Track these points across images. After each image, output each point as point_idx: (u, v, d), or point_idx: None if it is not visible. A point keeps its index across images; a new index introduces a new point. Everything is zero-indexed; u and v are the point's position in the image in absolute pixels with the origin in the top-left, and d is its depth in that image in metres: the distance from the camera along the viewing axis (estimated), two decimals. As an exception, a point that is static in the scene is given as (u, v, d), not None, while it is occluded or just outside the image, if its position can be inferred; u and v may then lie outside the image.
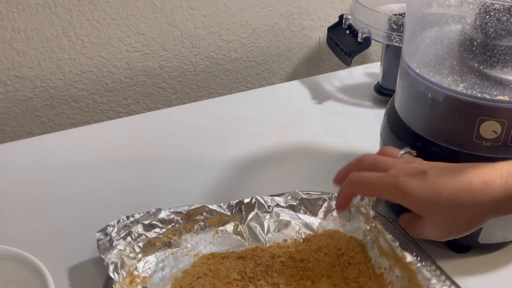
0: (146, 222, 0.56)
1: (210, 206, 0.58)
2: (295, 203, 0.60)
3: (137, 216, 0.57)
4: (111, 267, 0.51)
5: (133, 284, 0.52)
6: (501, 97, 0.49)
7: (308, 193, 0.61)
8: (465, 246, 0.58)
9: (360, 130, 0.80)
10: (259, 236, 0.58)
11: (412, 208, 0.45)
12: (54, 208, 0.66)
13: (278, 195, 0.61)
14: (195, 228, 0.58)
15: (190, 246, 0.57)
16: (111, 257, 0.52)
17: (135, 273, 0.53)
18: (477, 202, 0.41)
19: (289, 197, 0.61)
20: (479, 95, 0.50)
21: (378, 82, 0.89)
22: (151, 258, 0.55)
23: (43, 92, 0.89)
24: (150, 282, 0.53)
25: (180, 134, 0.81)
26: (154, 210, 0.57)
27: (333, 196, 0.60)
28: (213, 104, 0.90)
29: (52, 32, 0.85)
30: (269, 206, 0.60)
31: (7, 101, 0.88)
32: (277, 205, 0.60)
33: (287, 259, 0.55)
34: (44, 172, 0.72)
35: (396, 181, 0.44)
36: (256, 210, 0.59)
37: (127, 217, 0.56)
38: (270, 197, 0.60)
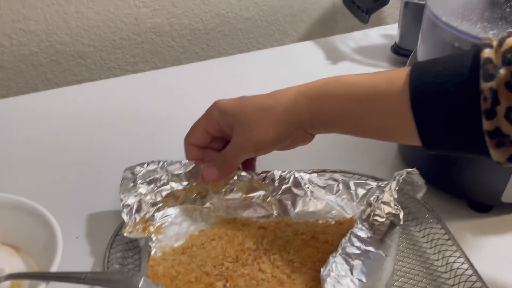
0: (175, 173, 0.53)
1: (243, 173, 0.54)
2: (334, 184, 0.55)
3: (168, 163, 0.53)
4: (126, 209, 0.49)
5: (146, 231, 0.50)
6: (534, 45, 0.46)
7: (350, 175, 0.56)
8: (487, 205, 0.56)
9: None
10: (289, 211, 0.54)
11: (226, 121, 0.50)
12: (60, 161, 0.65)
13: (317, 174, 0.56)
14: (223, 190, 0.54)
15: (213, 207, 0.54)
16: (129, 199, 0.50)
17: (151, 221, 0.51)
18: (276, 105, 0.48)
19: (328, 178, 0.56)
20: (511, 43, 0.47)
21: (395, 42, 0.86)
22: (171, 211, 0.53)
23: (49, 47, 0.87)
24: (163, 234, 0.51)
25: (192, 92, 0.79)
26: (185, 162, 0.54)
27: (380, 184, 0.54)
28: (225, 63, 0.87)
29: (58, -17, 0.82)
30: (305, 184, 0.55)
31: (11, 55, 0.85)
32: (315, 184, 0.55)
33: (310, 238, 0.50)
34: (49, 126, 0.70)
35: (213, 104, 0.52)
36: (290, 184, 0.55)
37: (158, 162, 0.53)
38: (307, 174, 0.55)
